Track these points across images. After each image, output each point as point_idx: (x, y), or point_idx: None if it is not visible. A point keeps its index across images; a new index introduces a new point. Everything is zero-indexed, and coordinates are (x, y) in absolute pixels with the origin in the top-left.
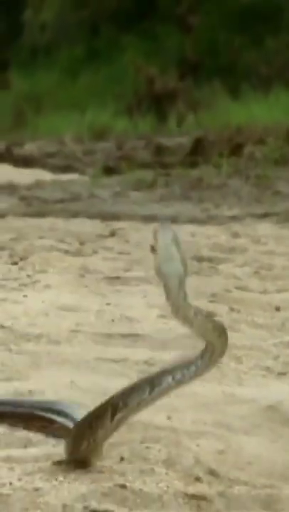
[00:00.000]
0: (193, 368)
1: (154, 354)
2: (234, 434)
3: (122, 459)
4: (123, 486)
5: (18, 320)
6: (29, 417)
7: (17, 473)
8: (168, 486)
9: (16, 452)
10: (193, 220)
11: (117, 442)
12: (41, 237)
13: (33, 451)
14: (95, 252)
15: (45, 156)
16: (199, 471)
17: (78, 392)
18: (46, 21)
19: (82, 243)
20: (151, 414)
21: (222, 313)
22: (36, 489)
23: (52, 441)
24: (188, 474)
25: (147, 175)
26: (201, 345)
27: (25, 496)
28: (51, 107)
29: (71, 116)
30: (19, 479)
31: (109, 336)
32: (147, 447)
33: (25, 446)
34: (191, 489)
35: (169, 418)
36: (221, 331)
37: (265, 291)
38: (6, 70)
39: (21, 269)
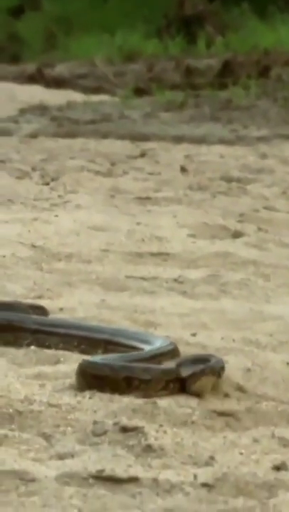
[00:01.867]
0: None
1: (183, 272)
2: (262, 351)
3: None
4: (153, 403)
5: (50, 239)
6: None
7: (48, 390)
8: (197, 404)
9: (46, 369)
10: (222, 141)
11: None
12: (72, 158)
13: (63, 368)
14: (125, 172)
15: (76, 77)
16: (228, 388)
17: (108, 310)
18: None
19: (112, 164)
20: (180, 331)
21: (250, 232)
22: (67, 406)
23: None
24: (217, 391)
25: (177, 96)
26: None
27: (56, 413)
28: (82, 29)
29: (101, 39)
30: (50, 396)
31: (140, 255)
32: None
33: (56, 363)
34: (220, 406)
35: (194, 335)
36: None
37: None
38: None
39: (52, 189)
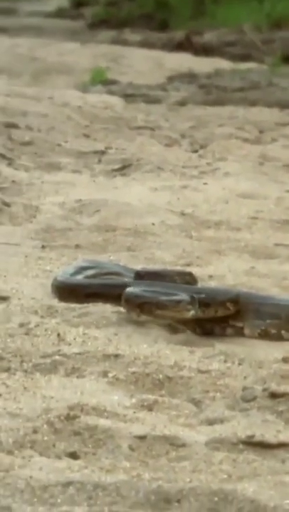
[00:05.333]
0: None
1: None
2: None
3: None
4: None
5: (199, 207)
6: None
7: (197, 356)
8: None
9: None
10: None
11: None
12: (221, 125)
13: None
14: (274, 140)
15: (224, 44)
16: None
17: (257, 278)
18: None
19: (261, 131)
20: None
21: None
22: (216, 372)
23: None
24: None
25: None
26: None
27: (205, 379)
28: None
29: (249, 6)
30: (200, 362)
31: None
32: None
33: None
34: None
35: None
36: None
37: None
38: None
39: (201, 156)
